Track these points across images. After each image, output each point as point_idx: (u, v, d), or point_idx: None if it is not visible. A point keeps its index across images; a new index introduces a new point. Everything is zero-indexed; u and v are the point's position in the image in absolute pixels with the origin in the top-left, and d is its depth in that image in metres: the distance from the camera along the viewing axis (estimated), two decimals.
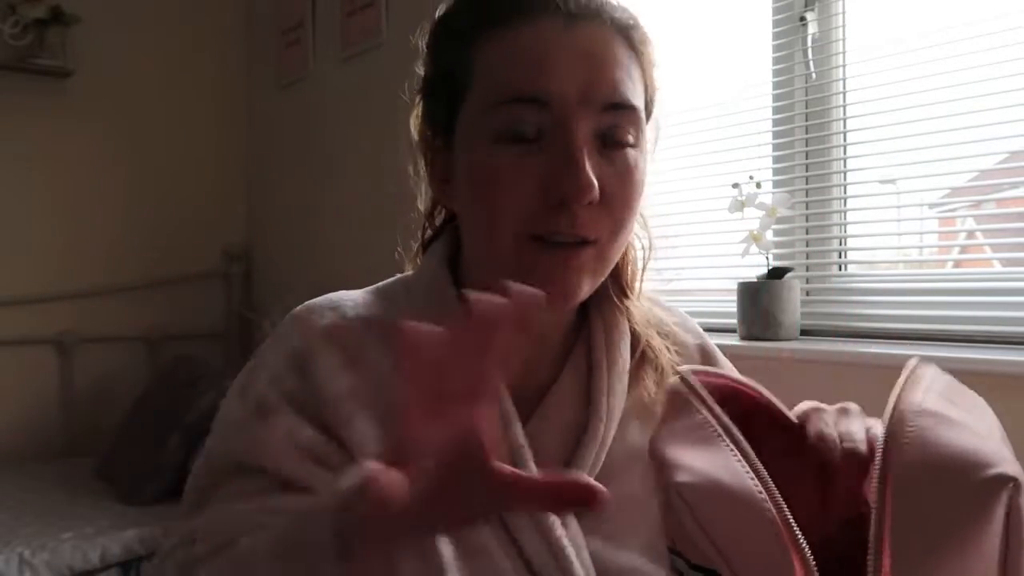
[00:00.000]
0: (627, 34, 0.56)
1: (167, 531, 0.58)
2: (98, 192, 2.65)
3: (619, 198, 0.55)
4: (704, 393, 0.39)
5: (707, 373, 0.44)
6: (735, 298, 1.44)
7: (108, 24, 2.63)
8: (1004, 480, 0.26)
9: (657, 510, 0.58)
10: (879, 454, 0.28)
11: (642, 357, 0.66)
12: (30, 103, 2.52)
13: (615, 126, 0.55)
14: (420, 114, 0.64)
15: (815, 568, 0.28)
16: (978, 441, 0.28)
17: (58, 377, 2.57)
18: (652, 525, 0.60)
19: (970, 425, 0.29)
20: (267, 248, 2.91)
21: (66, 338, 2.55)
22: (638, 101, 0.56)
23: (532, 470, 0.56)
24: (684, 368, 0.45)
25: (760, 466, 0.32)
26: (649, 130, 0.61)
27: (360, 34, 2.32)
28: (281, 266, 2.82)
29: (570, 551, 0.55)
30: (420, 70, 0.65)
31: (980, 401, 0.35)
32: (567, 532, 0.56)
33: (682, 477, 0.33)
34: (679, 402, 0.41)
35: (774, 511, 0.30)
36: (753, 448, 0.33)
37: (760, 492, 0.31)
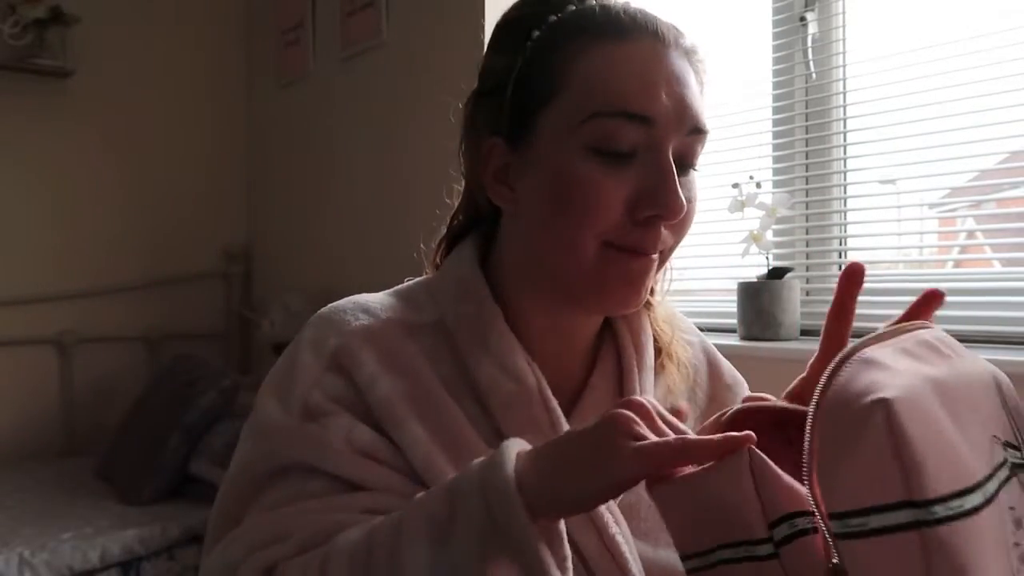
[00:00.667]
0: (693, 60, 0.58)
1: (206, 548, 0.59)
2: (98, 192, 2.65)
3: (685, 218, 0.57)
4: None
5: (753, 399, 0.52)
6: (735, 298, 1.44)
7: (108, 24, 2.63)
8: (878, 403, 0.32)
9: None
10: (817, 390, 0.35)
11: (665, 355, 0.67)
12: (30, 103, 2.52)
13: (691, 150, 0.56)
14: (481, 109, 0.61)
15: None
16: (882, 377, 0.34)
17: (58, 377, 2.57)
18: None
19: (901, 369, 0.35)
20: (267, 248, 2.91)
21: (66, 338, 2.55)
22: (709, 128, 0.58)
23: None
24: (736, 407, 0.49)
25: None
26: None
27: (360, 34, 2.32)
28: (281, 266, 2.82)
29: (624, 548, 0.56)
30: (489, 62, 0.62)
31: (972, 359, 0.40)
32: (620, 529, 0.57)
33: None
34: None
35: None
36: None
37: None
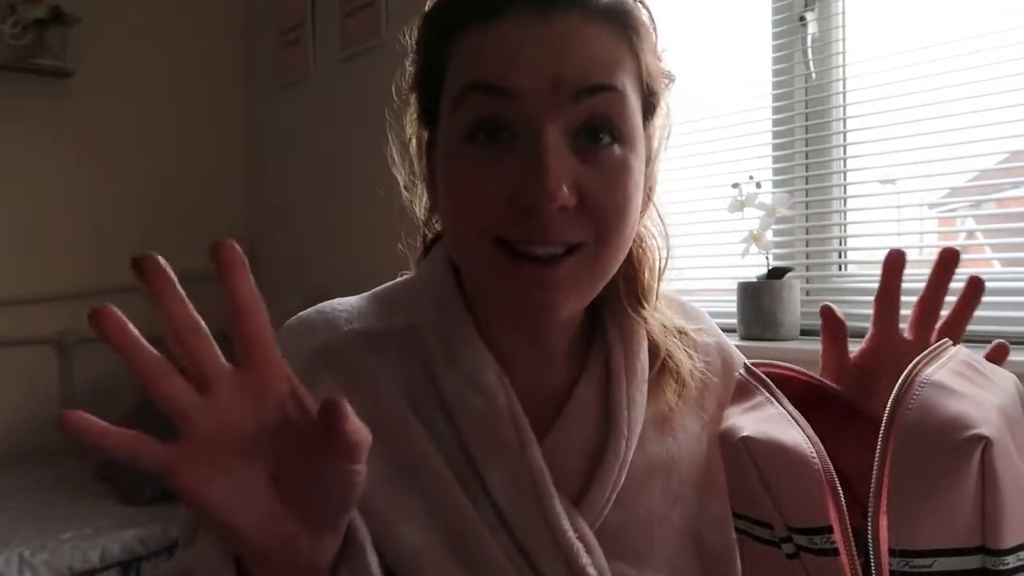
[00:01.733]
0: (613, 17, 0.51)
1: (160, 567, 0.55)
2: (98, 192, 2.65)
3: (603, 201, 0.49)
4: (765, 379, 0.46)
5: (772, 365, 0.50)
6: (735, 298, 1.44)
7: (108, 24, 2.63)
8: (977, 440, 0.30)
9: (678, 522, 0.59)
10: (886, 415, 0.33)
11: (662, 367, 0.61)
12: (30, 103, 2.52)
13: (593, 117, 0.49)
14: (414, 113, 0.62)
15: (846, 518, 0.34)
16: (968, 408, 0.32)
17: (59, 377, 2.57)
18: (672, 540, 0.58)
19: (970, 395, 0.33)
20: (267, 248, 2.91)
21: (66, 338, 2.55)
22: (620, 84, 0.50)
23: (552, 493, 0.53)
24: (748, 362, 0.49)
25: (812, 432, 0.38)
26: (657, 125, 0.57)
27: (360, 34, 2.32)
28: (281, 266, 2.82)
29: None
30: (410, 67, 0.62)
31: (1005, 377, 0.38)
32: (592, 559, 0.53)
33: (747, 433, 0.39)
34: (743, 389, 0.48)
35: (820, 467, 0.35)
36: (819, 431, 0.39)
37: (812, 453, 0.36)
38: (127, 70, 2.69)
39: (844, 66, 1.47)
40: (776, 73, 1.55)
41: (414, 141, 0.62)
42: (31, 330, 2.52)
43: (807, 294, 1.49)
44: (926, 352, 0.36)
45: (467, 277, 0.57)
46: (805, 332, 1.42)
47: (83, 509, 1.91)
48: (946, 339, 0.39)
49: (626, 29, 0.52)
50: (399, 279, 0.67)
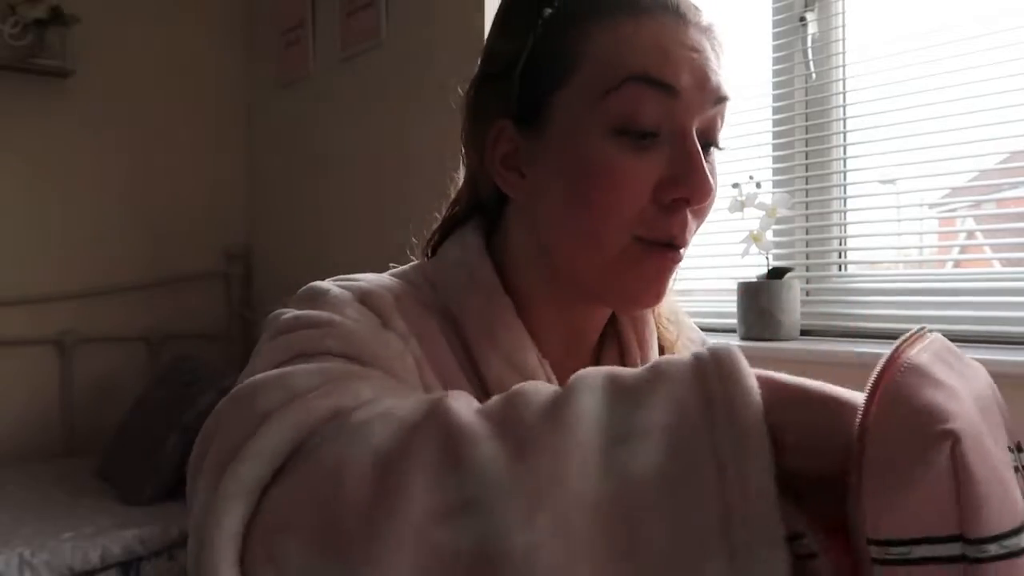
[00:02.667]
0: (711, 37, 0.54)
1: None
2: (98, 192, 2.65)
3: (708, 205, 0.54)
4: None
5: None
6: (735, 298, 1.44)
7: (108, 24, 2.63)
8: (946, 435, 0.30)
9: None
10: (864, 400, 0.32)
11: (664, 351, 0.65)
12: (30, 103, 2.52)
13: (714, 127, 0.54)
14: (487, 92, 0.58)
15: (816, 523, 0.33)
16: (944, 399, 0.32)
17: (58, 377, 2.57)
18: None
19: (948, 383, 0.33)
20: (267, 248, 2.91)
21: (66, 338, 2.55)
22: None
23: None
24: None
25: None
26: None
27: (360, 34, 2.32)
28: (281, 266, 2.82)
29: None
30: (495, 44, 0.58)
31: (975, 369, 0.38)
32: None
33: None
34: None
35: None
36: None
37: None
38: (127, 70, 2.69)
39: (844, 66, 1.47)
40: (776, 73, 1.55)
41: (482, 124, 0.57)
42: (31, 330, 2.52)
43: (807, 294, 1.49)
44: (907, 335, 0.36)
45: (581, 265, 0.54)
46: (805, 332, 1.42)
47: (83, 509, 1.91)
48: (923, 325, 0.39)
49: (715, 43, 0.55)
50: (410, 265, 0.64)
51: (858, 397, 0.34)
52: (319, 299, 0.52)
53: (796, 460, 0.32)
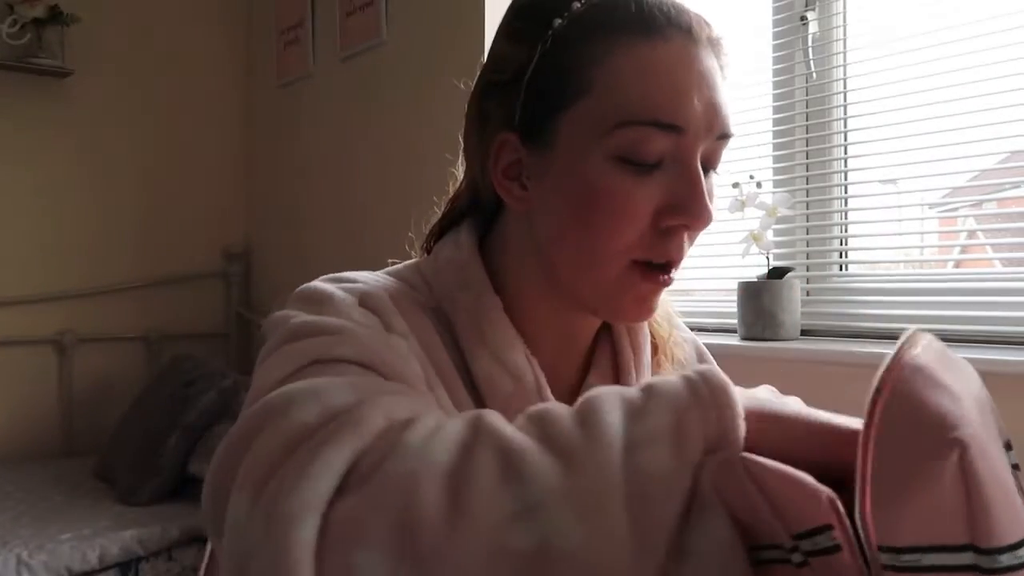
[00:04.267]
0: (719, 54, 0.54)
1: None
2: (97, 192, 2.64)
3: (705, 227, 0.55)
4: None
5: None
6: (735, 298, 1.44)
7: (107, 24, 2.63)
8: (955, 443, 0.30)
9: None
10: (870, 399, 0.32)
11: (658, 352, 0.66)
12: (29, 103, 2.52)
13: (716, 155, 0.54)
14: (492, 99, 0.57)
15: (844, 516, 0.33)
16: (950, 404, 0.32)
17: (58, 377, 2.57)
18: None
19: (951, 388, 0.33)
20: (267, 248, 2.91)
21: (66, 338, 2.55)
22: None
23: None
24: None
25: None
26: None
27: (360, 34, 2.32)
28: (281, 266, 2.82)
29: None
30: (503, 49, 0.57)
31: (968, 369, 0.38)
32: None
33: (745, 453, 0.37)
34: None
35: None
36: None
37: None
38: (126, 70, 2.69)
39: (844, 66, 1.47)
40: (776, 73, 1.55)
41: (486, 129, 0.57)
42: (31, 330, 2.52)
43: (807, 294, 1.48)
44: (906, 336, 0.35)
45: (579, 282, 0.56)
46: (805, 332, 1.41)
47: (82, 509, 1.91)
48: (916, 327, 0.39)
49: (722, 62, 0.55)
50: (406, 262, 0.65)
51: (838, 421, 0.36)
52: (325, 303, 0.52)
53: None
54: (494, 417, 0.39)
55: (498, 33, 0.58)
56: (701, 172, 0.52)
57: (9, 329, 2.48)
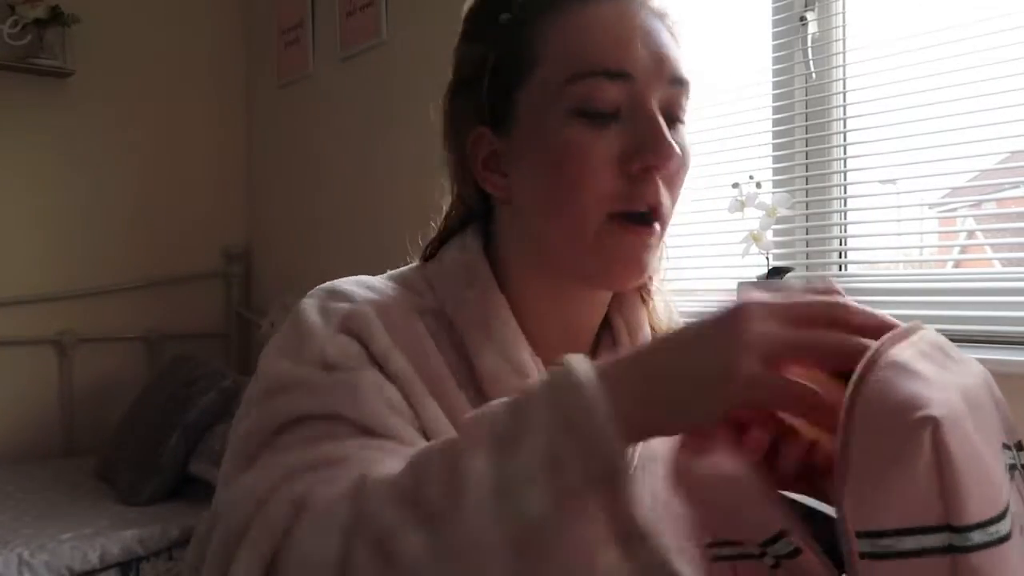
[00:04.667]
0: (666, 21, 0.57)
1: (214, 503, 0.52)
2: (98, 192, 2.65)
3: (678, 174, 0.56)
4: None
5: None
6: (735, 298, 1.44)
7: (108, 24, 2.63)
8: (926, 420, 0.31)
9: (679, 511, 0.59)
10: (847, 398, 0.32)
11: None
12: (30, 103, 2.52)
13: (676, 103, 0.55)
14: (460, 101, 0.60)
15: (794, 516, 0.35)
16: (924, 389, 0.32)
17: (58, 377, 2.57)
18: (678, 526, 0.60)
19: (927, 376, 0.33)
20: (267, 248, 2.91)
21: (66, 338, 2.55)
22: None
23: None
24: None
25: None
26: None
27: (360, 34, 2.32)
28: (281, 266, 2.82)
29: None
30: (462, 53, 0.61)
31: (970, 365, 0.38)
32: None
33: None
34: None
35: (750, 481, 0.36)
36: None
37: (740, 470, 0.36)
38: (127, 70, 2.69)
39: (844, 66, 1.47)
40: (776, 73, 1.55)
41: (460, 133, 0.60)
42: (31, 330, 2.52)
43: None
44: (893, 332, 0.36)
45: (565, 252, 0.57)
46: None
47: (82, 509, 1.91)
48: (917, 321, 0.39)
49: (673, 30, 0.57)
50: (410, 266, 0.66)
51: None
52: (305, 340, 0.54)
53: (656, 432, 0.37)
54: (375, 485, 0.40)
55: (458, 39, 0.62)
56: (658, 114, 0.53)
57: (9, 329, 2.48)
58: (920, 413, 0.31)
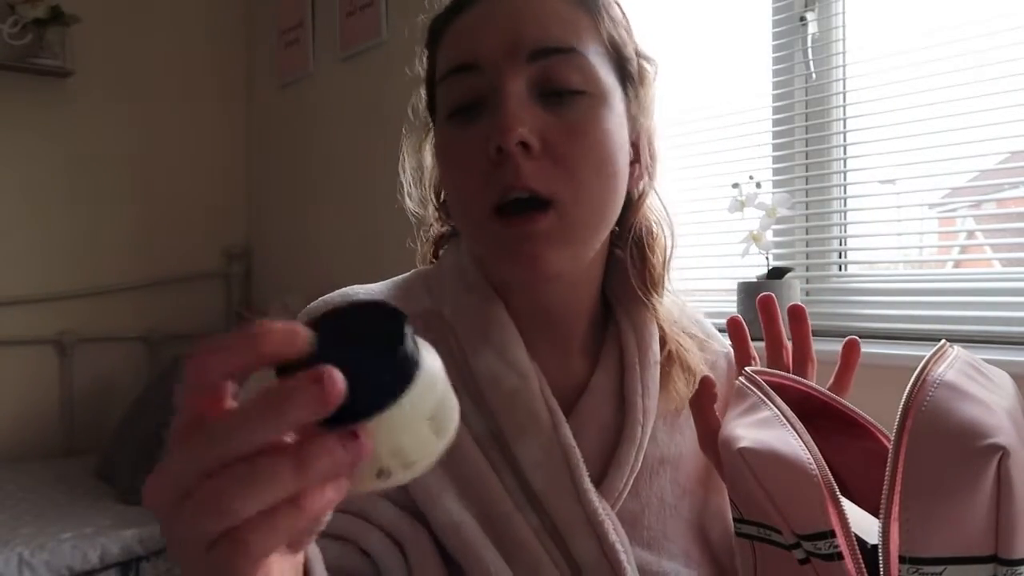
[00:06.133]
0: (580, 3, 0.55)
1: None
2: (98, 192, 2.65)
3: (570, 150, 0.52)
4: (763, 383, 0.44)
5: (773, 374, 0.48)
6: (735, 298, 1.44)
7: (108, 24, 2.63)
8: (995, 449, 0.29)
9: (687, 515, 0.59)
10: (898, 418, 0.32)
11: (669, 356, 0.63)
12: (29, 103, 2.52)
13: (551, 73, 0.52)
14: (429, 114, 0.65)
15: (848, 522, 0.33)
16: (983, 413, 0.31)
17: (58, 377, 2.57)
18: (683, 530, 0.59)
19: (982, 399, 0.32)
20: (267, 248, 2.91)
21: (66, 338, 2.55)
22: (580, 46, 0.53)
23: (584, 471, 0.55)
24: (748, 368, 0.49)
25: (809, 439, 0.37)
26: (642, 95, 0.59)
27: (360, 34, 2.32)
28: (281, 266, 2.82)
29: (623, 556, 0.53)
30: (419, 72, 0.67)
31: (1003, 378, 0.38)
32: (619, 537, 0.54)
33: (745, 444, 0.38)
34: (739, 393, 0.47)
35: (819, 475, 0.35)
36: (816, 436, 0.38)
37: (809, 461, 0.36)
38: (127, 70, 2.69)
39: (844, 66, 1.47)
40: (776, 73, 1.55)
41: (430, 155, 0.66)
42: (31, 330, 2.52)
43: (807, 294, 1.48)
44: (933, 352, 0.35)
45: (480, 256, 0.60)
46: None
47: (83, 509, 1.91)
48: (944, 340, 0.38)
49: (584, 3, 0.56)
50: (414, 271, 0.67)
51: None
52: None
53: None
54: None
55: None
56: (508, 91, 0.51)
57: (9, 329, 2.48)
58: (988, 441, 0.30)
